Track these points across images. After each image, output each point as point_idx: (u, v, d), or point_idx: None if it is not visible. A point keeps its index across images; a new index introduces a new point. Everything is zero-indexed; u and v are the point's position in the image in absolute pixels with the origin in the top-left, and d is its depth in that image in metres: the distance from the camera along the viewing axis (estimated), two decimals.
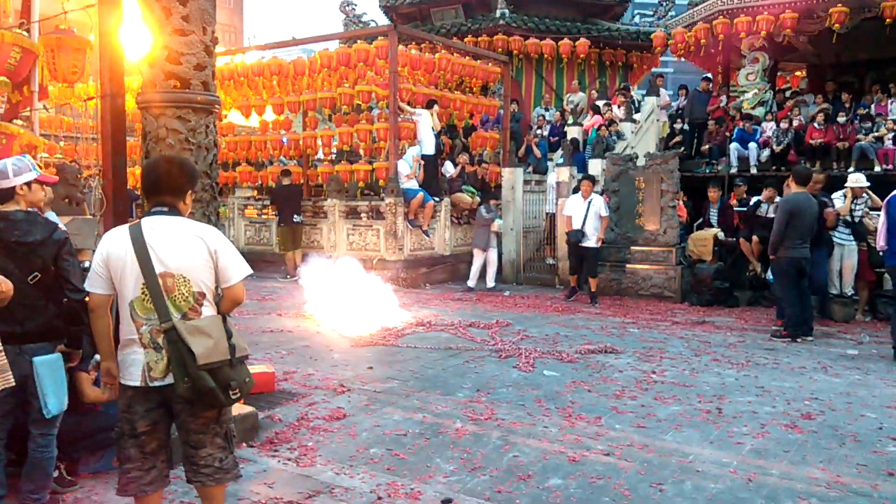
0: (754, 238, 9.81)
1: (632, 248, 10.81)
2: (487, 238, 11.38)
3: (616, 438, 4.54)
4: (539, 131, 15.66)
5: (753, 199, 10.35)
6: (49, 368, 3.21)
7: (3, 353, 2.85)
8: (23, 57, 6.03)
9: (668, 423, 4.88)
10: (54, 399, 3.21)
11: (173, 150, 4.14)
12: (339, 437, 4.55)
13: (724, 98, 15.34)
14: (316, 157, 15.17)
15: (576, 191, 10.89)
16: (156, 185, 2.88)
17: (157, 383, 2.73)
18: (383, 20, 19.69)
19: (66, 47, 6.16)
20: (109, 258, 2.77)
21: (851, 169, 11.65)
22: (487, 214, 11.38)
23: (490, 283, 11.50)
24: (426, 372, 6.22)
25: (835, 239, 8.76)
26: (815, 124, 12.87)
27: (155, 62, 4.15)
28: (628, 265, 10.86)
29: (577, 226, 10.14)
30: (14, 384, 2.87)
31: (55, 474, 3.57)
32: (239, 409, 4.54)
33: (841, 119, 12.86)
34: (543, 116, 16.02)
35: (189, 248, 2.78)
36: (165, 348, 2.70)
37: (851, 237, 8.78)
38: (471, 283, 11.46)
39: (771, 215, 9.98)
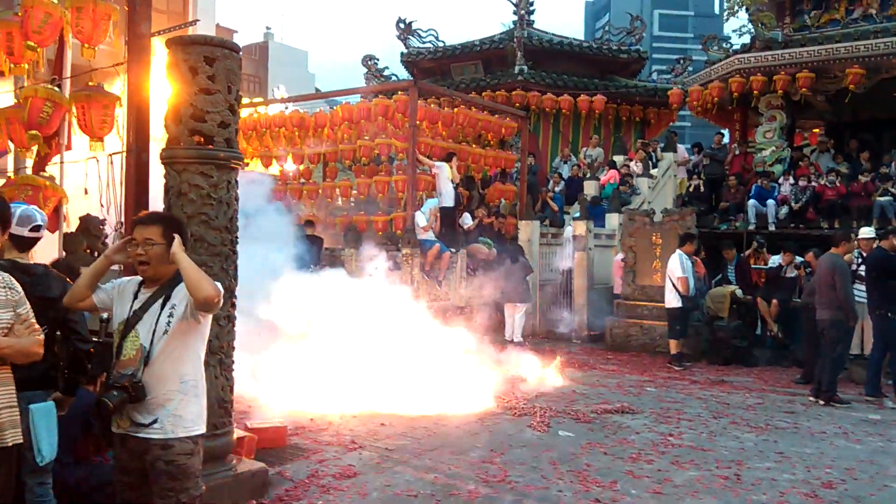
0: (774, 301, 9.69)
1: (649, 303, 10.73)
2: (516, 290, 11.36)
3: None
4: (554, 187, 15.75)
5: (773, 259, 10.29)
6: (44, 415, 3.23)
7: (16, 409, 2.86)
8: (54, 111, 6.22)
9: (686, 489, 4.77)
10: (48, 446, 3.22)
11: (195, 205, 4.21)
12: (349, 497, 4.48)
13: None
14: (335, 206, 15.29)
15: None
16: None
17: None
18: (404, 73, 20.10)
19: (96, 103, 6.34)
20: None
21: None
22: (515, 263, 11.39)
23: (517, 337, 11.45)
24: (439, 430, 6.14)
25: None
26: (827, 184, 12.86)
27: (180, 119, 4.25)
28: (645, 321, 10.77)
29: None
30: (22, 440, 2.87)
31: None
32: (249, 465, 4.52)
33: (863, 179, 12.82)
34: (559, 174, 16.16)
35: None
36: None
37: None
38: (510, 336, 11.44)
39: (790, 275, 9.91)
